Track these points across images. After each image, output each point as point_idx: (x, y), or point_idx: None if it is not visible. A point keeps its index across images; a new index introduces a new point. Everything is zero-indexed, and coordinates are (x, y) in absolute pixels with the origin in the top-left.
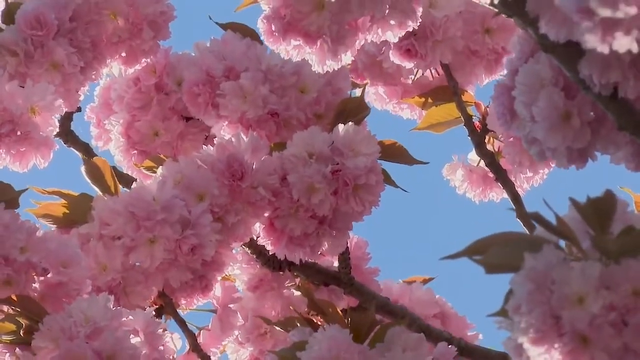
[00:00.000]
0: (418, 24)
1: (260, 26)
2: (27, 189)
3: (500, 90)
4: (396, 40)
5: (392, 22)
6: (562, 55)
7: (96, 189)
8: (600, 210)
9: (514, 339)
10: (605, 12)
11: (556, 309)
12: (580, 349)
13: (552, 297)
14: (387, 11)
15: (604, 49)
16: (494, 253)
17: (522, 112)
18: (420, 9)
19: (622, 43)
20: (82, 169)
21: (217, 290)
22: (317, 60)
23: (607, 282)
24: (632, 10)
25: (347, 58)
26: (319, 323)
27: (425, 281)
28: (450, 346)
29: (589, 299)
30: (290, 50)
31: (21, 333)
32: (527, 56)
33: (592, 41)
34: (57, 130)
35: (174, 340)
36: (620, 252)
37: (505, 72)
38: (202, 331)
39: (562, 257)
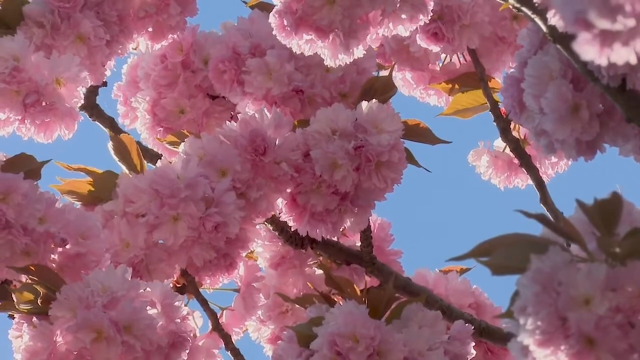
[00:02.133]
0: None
1: (272, 21)
2: (50, 160)
3: (509, 82)
4: (408, 34)
5: (403, 16)
6: (571, 46)
7: (122, 166)
8: (606, 211)
9: (520, 341)
10: (603, 24)
11: (562, 311)
12: (586, 350)
13: (559, 299)
14: (398, 5)
15: (602, 61)
16: (500, 254)
17: (531, 104)
18: (432, 3)
19: (620, 55)
20: (109, 145)
21: (240, 269)
22: (330, 54)
23: (613, 284)
24: (631, 23)
25: (359, 52)
26: (337, 300)
27: (462, 271)
28: (467, 324)
29: (595, 300)
30: (303, 44)
31: (39, 302)
32: (536, 48)
33: (590, 52)
34: (82, 102)
35: (196, 319)
36: (626, 253)
37: (514, 64)
38: (225, 311)
39: (569, 258)
